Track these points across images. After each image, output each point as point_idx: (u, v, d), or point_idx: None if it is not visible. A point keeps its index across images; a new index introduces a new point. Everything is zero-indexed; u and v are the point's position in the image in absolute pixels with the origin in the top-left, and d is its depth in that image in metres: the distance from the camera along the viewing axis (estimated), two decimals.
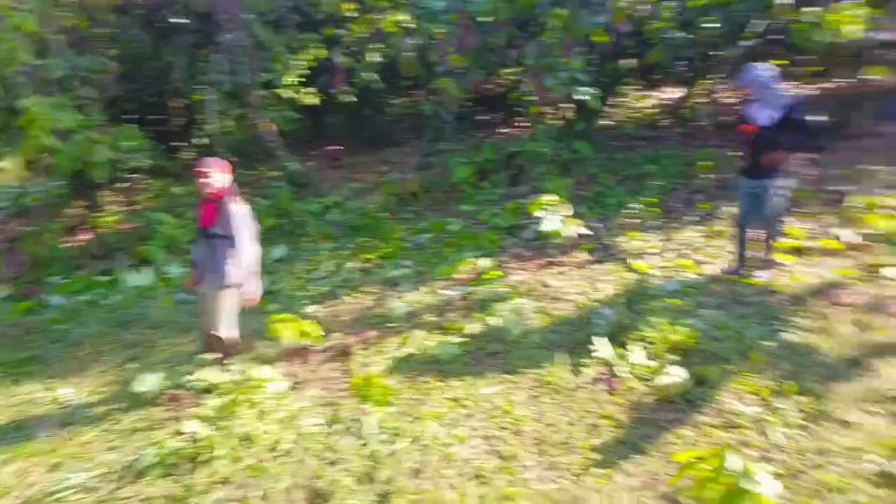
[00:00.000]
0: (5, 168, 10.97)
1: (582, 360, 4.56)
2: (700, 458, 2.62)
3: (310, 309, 6.17)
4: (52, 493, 3.73)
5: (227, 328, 4.70)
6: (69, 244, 8.65)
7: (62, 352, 5.87)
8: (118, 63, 9.22)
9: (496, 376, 4.55)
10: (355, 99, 11.94)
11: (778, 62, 7.51)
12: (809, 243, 6.06)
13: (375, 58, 11.57)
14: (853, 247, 5.86)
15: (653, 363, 4.40)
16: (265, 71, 9.84)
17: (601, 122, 10.82)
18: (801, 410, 3.73)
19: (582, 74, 6.69)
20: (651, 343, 4.57)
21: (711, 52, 7.74)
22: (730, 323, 4.74)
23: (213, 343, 4.72)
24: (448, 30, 8.07)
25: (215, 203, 4.60)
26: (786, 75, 10.40)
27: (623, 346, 4.61)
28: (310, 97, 11.03)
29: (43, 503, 3.69)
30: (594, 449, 3.70)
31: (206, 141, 12.66)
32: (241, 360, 4.83)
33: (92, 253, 8.27)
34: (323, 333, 5.18)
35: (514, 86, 13.56)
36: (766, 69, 5.16)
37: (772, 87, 5.14)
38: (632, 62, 8.95)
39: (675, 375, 4.13)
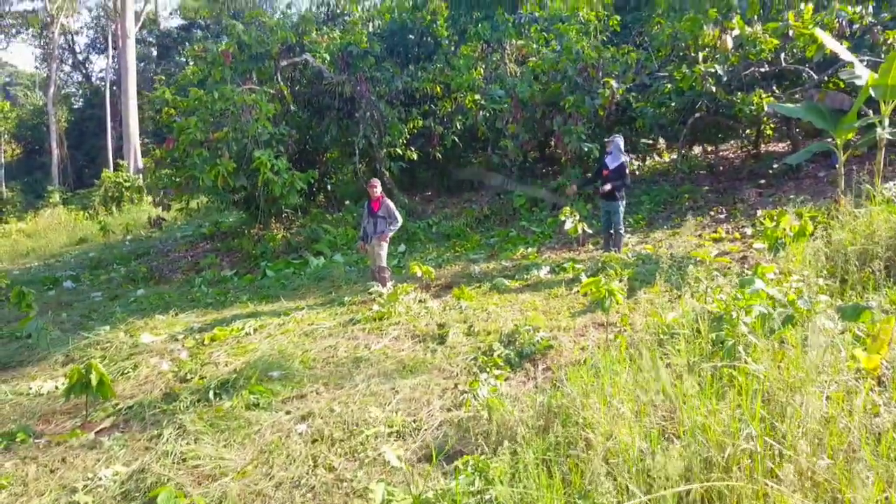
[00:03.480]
0: (210, 205, 15.98)
1: (573, 287, 8.67)
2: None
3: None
4: (319, 328, 8.14)
5: (385, 263, 9.19)
6: (264, 246, 13.43)
7: (287, 293, 10.43)
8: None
9: (528, 293, 8.72)
10: (440, 157, 16.55)
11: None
12: (725, 236, 9.98)
13: (458, 125, 16.20)
14: (748, 237, 9.75)
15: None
16: (387, 135, 14.54)
17: None
18: (666, 296, 7.71)
19: (584, 136, 10.95)
20: (609, 276, 8.63)
21: (676, 122, 11.88)
22: (655, 269, 8.74)
23: (379, 272, 9.20)
24: (507, 107, 12.54)
25: (378, 200, 9.14)
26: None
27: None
28: (412, 154, 15.71)
29: (313, 332, 8.09)
30: (571, 313, 7.78)
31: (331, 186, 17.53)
32: (393, 284, 9.23)
33: (281, 250, 13.00)
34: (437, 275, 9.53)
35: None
36: (620, 138, 9.51)
37: (620, 149, 9.46)
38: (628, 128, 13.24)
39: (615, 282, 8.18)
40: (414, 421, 5.51)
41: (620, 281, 8.08)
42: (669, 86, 11.73)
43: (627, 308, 7.50)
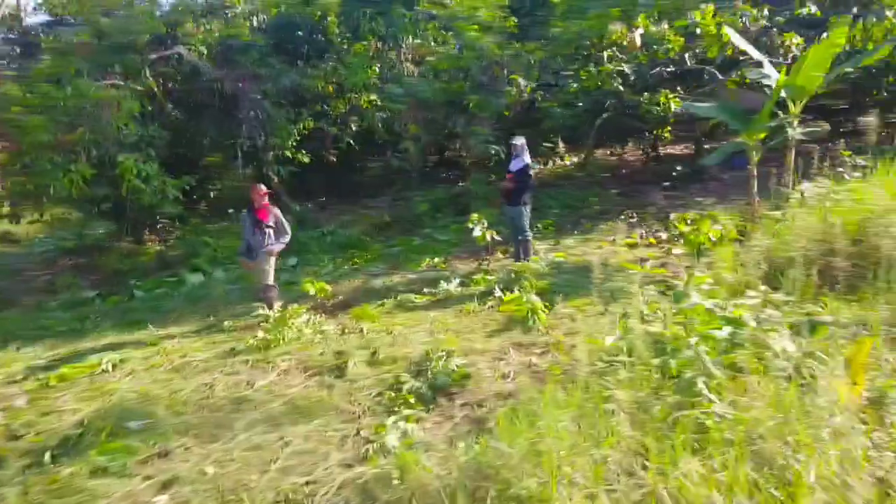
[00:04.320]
0: (68, 216, 14.00)
1: (486, 301, 7.82)
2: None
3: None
4: (193, 360, 6.86)
5: (272, 281, 8.04)
6: (134, 262, 11.79)
7: (157, 317, 8.99)
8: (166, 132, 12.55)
9: (437, 309, 7.79)
10: (334, 160, 15.40)
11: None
12: (640, 241, 9.49)
13: (353, 127, 15.11)
14: (663, 242, 9.29)
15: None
16: (274, 136, 13.25)
17: None
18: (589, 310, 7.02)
19: (491, 137, 10.20)
20: (524, 289, 7.86)
21: (584, 123, 11.38)
22: (572, 279, 8.06)
23: (265, 292, 8.01)
24: (406, 107, 11.60)
25: (264, 208, 7.97)
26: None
27: (510, 290, 7.90)
28: (303, 157, 14.48)
29: (185, 367, 6.80)
30: (486, 332, 6.92)
31: (217, 193, 15.99)
32: (282, 305, 8.07)
33: (153, 267, 11.43)
34: (332, 295, 8.45)
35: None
36: (521, 139, 8.86)
37: (523, 150, 8.83)
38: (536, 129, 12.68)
39: (534, 301, 7.42)
40: (307, 483, 4.45)
41: (542, 296, 7.34)
42: (575, 85, 11.22)
43: (549, 325, 6.74)
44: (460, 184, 12.85)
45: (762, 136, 8.70)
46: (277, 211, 8.15)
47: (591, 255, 9.35)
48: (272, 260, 8.11)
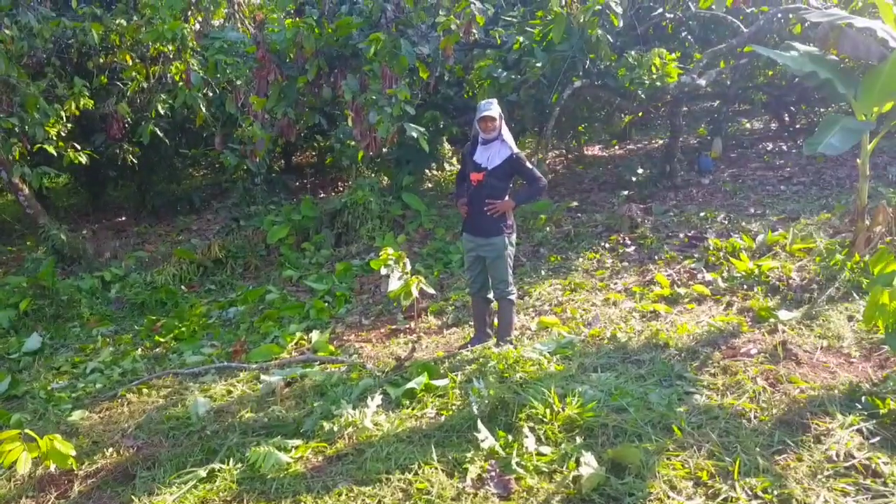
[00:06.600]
0: None
1: (460, 455, 3.41)
2: None
3: (75, 415, 4.46)
4: None
5: None
6: None
7: None
8: None
9: (347, 491, 3.24)
10: (135, 161, 10.20)
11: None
12: (679, 290, 5.51)
13: (161, 109, 9.92)
14: (722, 291, 5.40)
15: (549, 449, 3.38)
16: (13, 117, 7.86)
17: (427, 179, 10.12)
18: (756, 496, 2.87)
19: (410, 107, 5.77)
20: (543, 422, 3.56)
21: (537, 97, 7.25)
22: (627, 388, 3.88)
23: None
24: (247, 66, 6.87)
25: None
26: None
27: (509, 429, 3.56)
28: (76, 156, 9.13)
29: None
30: None
31: None
32: None
33: None
34: (86, 451, 3.58)
35: (327, 152, 12.63)
36: (496, 106, 4.65)
37: (501, 127, 4.68)
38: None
39: (587, 465, 3.13)
40: None
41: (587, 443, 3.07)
42: (521, 39, 7.11)
43: None
44: (335, 194, 8.28)
45: (888, 107, 5.08)
46: None
47: (605, 318, 5.23)
48: None
